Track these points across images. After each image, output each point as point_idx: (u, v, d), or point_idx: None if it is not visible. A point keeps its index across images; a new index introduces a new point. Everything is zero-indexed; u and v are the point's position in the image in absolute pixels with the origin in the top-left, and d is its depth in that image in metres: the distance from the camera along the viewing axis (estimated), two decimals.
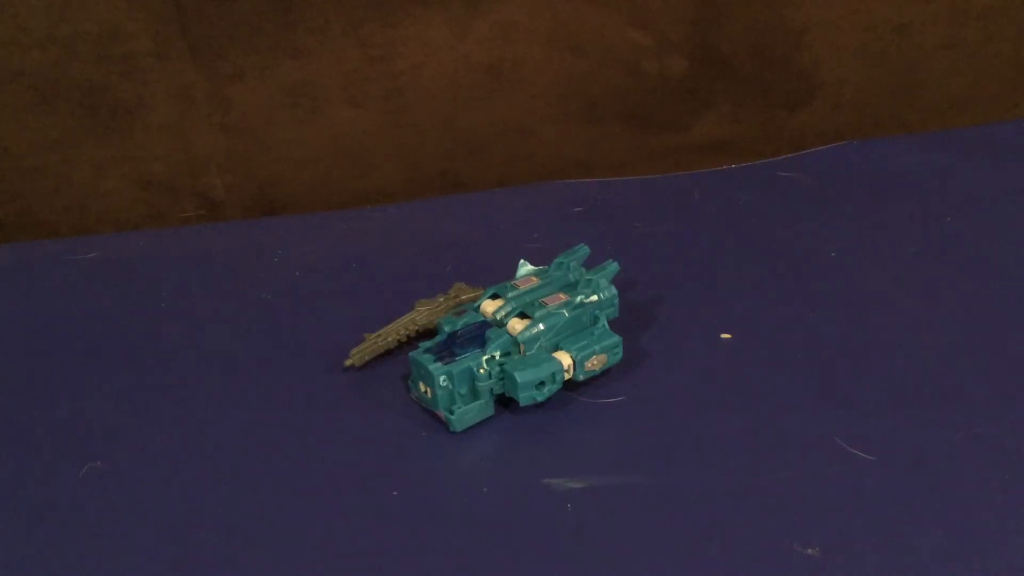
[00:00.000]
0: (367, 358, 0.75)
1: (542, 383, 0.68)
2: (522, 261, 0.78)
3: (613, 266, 0.76)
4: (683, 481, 0.64)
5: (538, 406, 0.70)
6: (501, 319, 0.71)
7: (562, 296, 0.72)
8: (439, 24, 0.96)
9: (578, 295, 0.73)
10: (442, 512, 0.63)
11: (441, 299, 0.78)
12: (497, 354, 0.69)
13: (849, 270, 0.85)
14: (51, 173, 0.96)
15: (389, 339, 0.75)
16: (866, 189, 0.97)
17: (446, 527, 0.62)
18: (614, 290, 0.75)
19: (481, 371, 0.68)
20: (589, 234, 0.84)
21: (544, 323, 0.70)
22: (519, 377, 0.67)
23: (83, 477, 0.66)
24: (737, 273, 0.85)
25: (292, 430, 0.70)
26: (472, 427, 0.69)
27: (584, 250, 0.78)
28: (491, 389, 0.69)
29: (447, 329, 0.71)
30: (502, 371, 0.69)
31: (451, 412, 0.68)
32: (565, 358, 0.69)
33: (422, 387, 0.69)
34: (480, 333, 0.70)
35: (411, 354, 0.70)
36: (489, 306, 0.73)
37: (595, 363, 0.71)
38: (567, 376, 0.70)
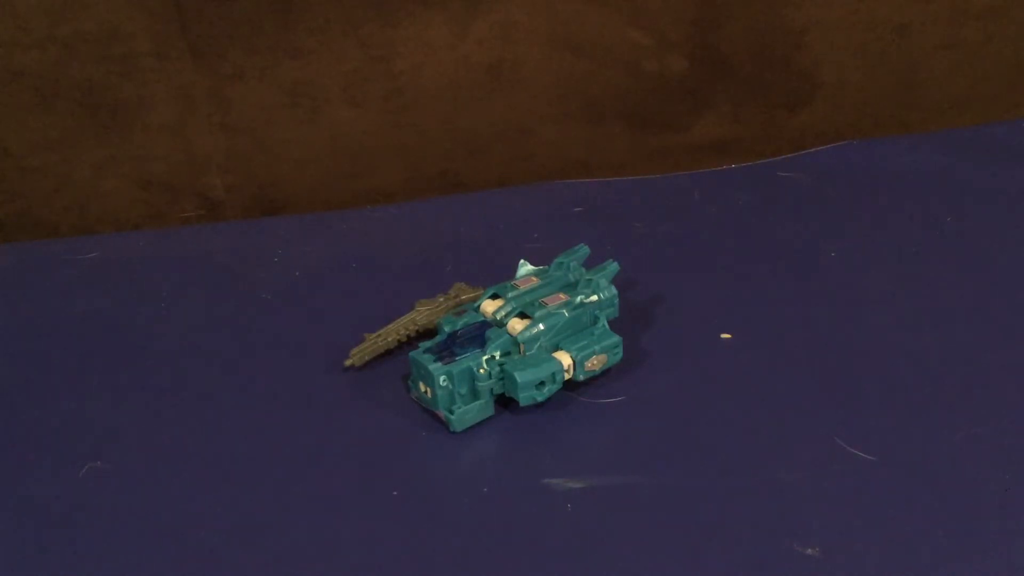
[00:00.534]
0: (367, 358, 0.75)
1: (542, 383, 0.68)
2: (522, 261, 0.78)
3: (613, 266, 0.76)
4: (683, 481, 0.64)
5: (538, 406, 0.70)
6: (501, 319, 0.71)
7: (562, 296, 0.72)
8: (439, 24, 0.96)
9: (578, 295, 0.73)
10: (442, 512, 0.63)
11: (441, 299, 0.78)
12: (497, 354, 0.69)
13: (849, 270, 0.85)
14: (51, 173, 0.96)
15: (389, 339, 0.75)
16: (866, 189, 0.97)
17: (446, 527, 0.62)
18: (614, 290, 0.75)
19: (481, 371, 0.68)
20: (589, 234, 0.84)
21: (544, 323, 0.70)
22: (519, 377, 0.67)
23: (83, 477, 0.66)
24: (737, 273, 0.85)
25: (292, 430, 0.70)
26: (472, 427, 0.69)
27: (584, 250, 0.78)
28: (491, 389, 0.69)
29: (447, 329, 0.71)
30: (502, 371, 0.69)
31: (451, 412, 0.68)
32: (565, 358, 0.69)
33: (422, 387, 0.69)
34: (480, 333, 0.70)
35: (411, 354, 0.70)
36: (489, 306, 0.73)
37: (595, 363, 0.71)
38: (567, 376, 0.70)
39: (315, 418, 0.71)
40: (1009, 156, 1.01)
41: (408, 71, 0.98)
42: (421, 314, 0.77)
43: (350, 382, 0.74)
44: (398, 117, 1.00)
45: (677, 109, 1.05)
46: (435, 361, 0.68)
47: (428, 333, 0.76)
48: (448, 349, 0.69)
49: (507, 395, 0.70)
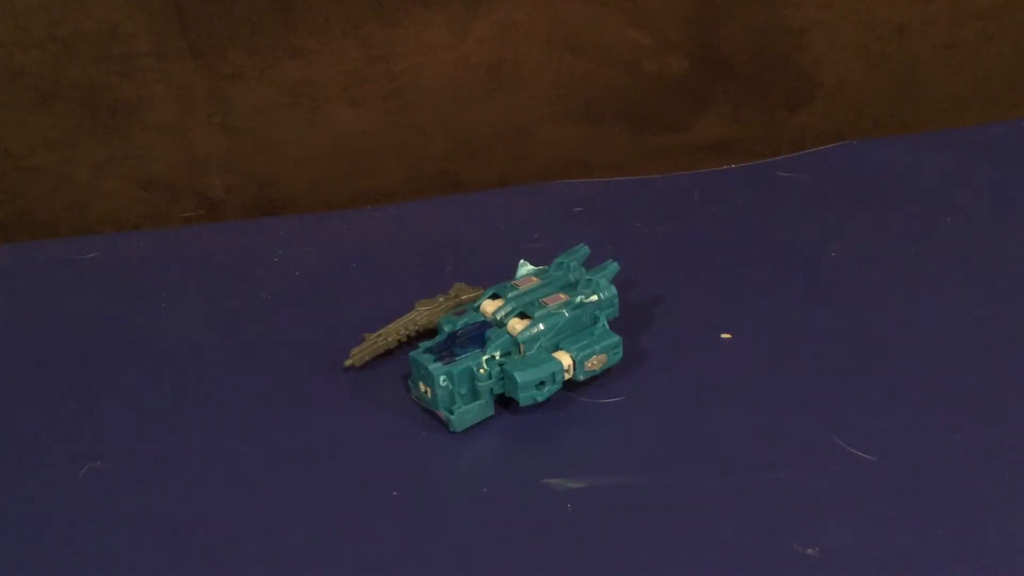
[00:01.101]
0: (367, 358, 0.75)
1: (542, 383, 0.68)
2: (522, 261, 0.78)
3: (613, 266, 0.76)
4: (683, 481, 0.64)
5: (538, 406, 0.70)
6: (501, 319, 0.71)
7: (562, 296, 0.72)
8: (439, 24, 0.96)
9: (578, 295, 0.73)
10: (442, 512, 0.63)
11: (441, 299, 0.78)
12: (497, 354, 0.69)
13: (849, 270, 0.85)
14: (51, 173, 0.96)
15: (389, 339, 0.75)
16: (866, 189, 0.97)
17: (446, 527, 0.62)
18: (614, 290, 0.75)
19: (481, 371, 0.68)
20: (589, 234, 0.84)
21: (544, 323, 0.70)
22: (519, 377, 0.67)
23: (83, 477, 0.66)
24: (737, 273, 0.85)
25: (292, 430, 0.70)
26: (472, 427, 0.69)
27: (584, 250, 0.78)
28: (491, 389, 0.69)
29: (447, 329, 0.71)
30: (502, 371, 0.69)
31: (451, 412, 0.68)
32: (565, 358, 0.69)
33: (422, 387, 0.69)
34: (480, 333, 0.70)
35: (411, 354, 0.70)
36: (489, 306, 0.73)
37: (595, 363, 0.71)
38: (567, 376, 0.70)
39: (315, 418, 0.71)
40: (1009, 156, 1.01)
41: (408, 71, 0.98)
42: (421, 314, 0.77)
43: (350, 382, 0.74)
44: (398, 117, 1.00)
45: (677, 109, 1.05)
46: (435, 361, 0.68)
47: (428, 333, 0.76)
48: (448, 349, 0.69)
49: (507, 395, 0.70)
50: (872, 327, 0.77)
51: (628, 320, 0.77)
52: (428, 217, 0.97)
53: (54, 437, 0.70)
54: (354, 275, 0.88)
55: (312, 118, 0.99)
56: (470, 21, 0.97)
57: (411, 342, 0.75)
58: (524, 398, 0.68)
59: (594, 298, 0.74)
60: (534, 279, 0.75)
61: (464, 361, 0.68)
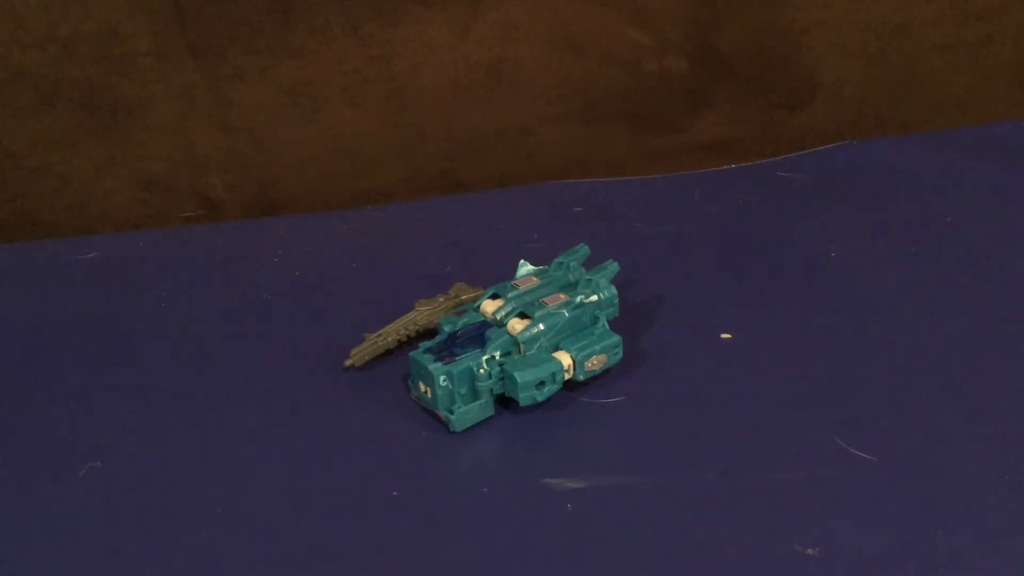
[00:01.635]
0: (367, 358, 0.75)
1: (542, 383, 0.68)
2: (522, 261, 0.78)
3: (613, 266, 0.76)
4: (683, 481, 0.64)
5: (538, 406, 0.70)
6: (501, 319, 0.71)
7: (562, 296, 0.72)
8: (439, 24, 0.96)
9: (578, 295, 0.73)
10: (442, 512, 0.63)
11: (441, 299, 0.78)
12: (497, 354, 0.69)
13: (849, 270, 0.85)
14: (51, 173, 0.96)
15: (389, 339, 0.75)
16: (866, 189, 0.97)
17: (446, 527, 0.62)
18: (614, 290, 0.75)
19: (481, 371, 0.68)
20: (589, 234, 0.84)
21: (544, 323, 0.70)
22: (519, 377, 0.67)
23: (83, 477, 0.66)
24: (737, 273, 0.85)
25: (292, 430, 0.70)
26: (472, 427, 0.69)
27: (584, 250, 0.78)
28: (491, 389, 0.69)
29: (447, 329, 0.71)
30: (502, 371, 0.69)
31: (451, 412, 0.68)
32: (565, 358, 0.69)
33: (422, 387, 0.69)
34: (480, 333, 0.70)
35: (411, 354, 0.70)
36: (489, 306, 0.73)
37: (595, 363, 0.71)
38: (567, 376, 0.70)
39: (315, 418, 0.71)
40: (1009, 156, 1.01)
41: (408, 71, 0.98)
42: (421, 314, 0.77)
43: (350, 382, 0.74)
44: (398, 117, 1.00)
45: (677, 109, 1.05)
46: (435, 361, 0.68)
47: (428, 333, 0.76)
48: (448, 349, 0.69)
49: (507, 395, 0.70)
50: (872, 327, 0.77)
51: (628, 320, 0.77)
52: (428, 217, 0.97)
53: (54, 437, 0.70)
54: (354, 275, 0.88)
55: (312, 118, 0.99)
56: (470, 21, 0.97)
57: (411, 342, 0.75)
58: (524, 398, 0.68)
59: (594, 298, 0.74)
60: (534, 279, 0.75)
61: (464, 361, 0.68)
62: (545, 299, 0.72)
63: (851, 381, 0.72)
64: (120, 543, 0.61)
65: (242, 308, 0.84)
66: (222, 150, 0.98)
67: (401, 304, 0.78)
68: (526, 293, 0.73)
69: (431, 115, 1.01)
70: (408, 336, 0.76)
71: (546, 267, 0.77)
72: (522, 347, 0.70)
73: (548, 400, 0.69)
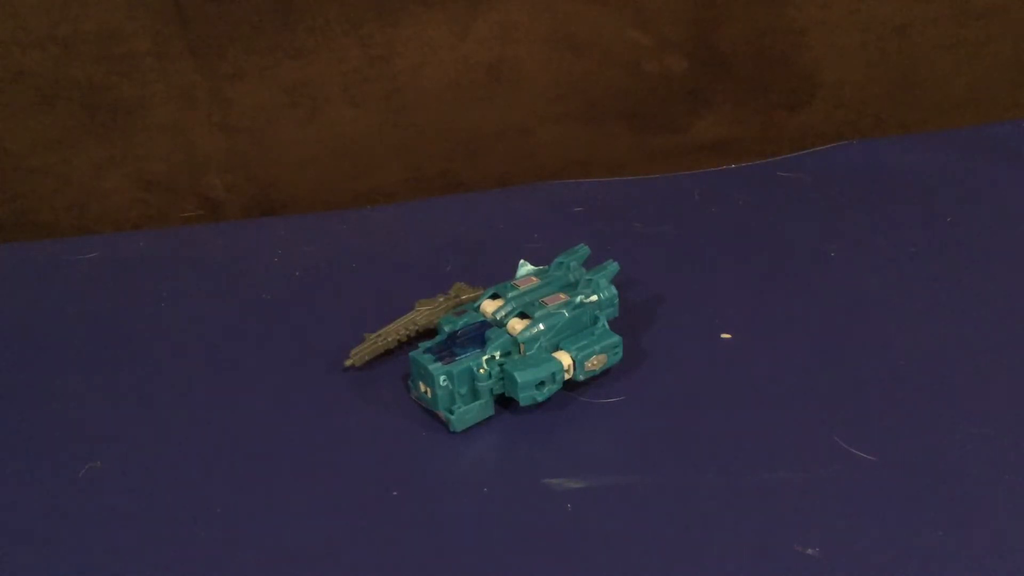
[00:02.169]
0: (367, 358, 0.75)
1: (542, 383, 0.68)
2: (522, 261, 0.78)
3: (613, 266, 0.76)
4: (683, 481, 0.64)
5: (538, 406, 0.70)
6: (501, 319, 0.71)
7: (562, 296, 0.72)
8: (439, 24, 0.96)
9: (578, 295, 0.73)
10: (442, 512, 0.63)
11: (441, 299, 0.78)
12: (497, 354, 0.69)
13: (849, 270, 0.85)
14: (51, 173, 0.96)
15: (389, 339, 0.75)
16: (866, 189, 0.97)
17: (446, 527, 0.62)
18: (614, 290, 0.75)
19: (481, 371, 0.68)
20: (589, 234, 0.84)
21: (544, 323, 0.70)
22: (519, 377, 0.67)
23: (83, 477, 0.66)
24: (737, 273, 0.85)
25: (292, 430, 0.70)
26: (472, 427, 0.69)
27: (584, 250, 0.78)
28: (491, 389, 0.69)
29: (447, 329, 0.71)
30: (502, 371, 0.69)
31: (451, 412, 0.68)
32: (565, 358, 0.69)
33: (422, 387, 0.69)
34: (480, 333, 0.70)
35: (411, 354, 0.70)
36: (489, 306, 0.73)
37: (595, 363, 0.71)
38: (567, 376, 0.70)
39: (315, 418, 0.71)
40: (1009, 156, 1.01)
41: (408, 71, 0.98)
42: (421, 314, 0.77)
43: (350, 382, 0.74)
44: (398, 117, 1.00)
45: (677, 109, 1.05)
46: (435, 361, 0.68)
47: (428, 333, 0.76)
48: (448, 349, 0.69)
49: (507, 395, 0.70)
50: (872, 327, 0.77)
51: (628, 320, 0.77)
52: (428, 217, 0.97)
53: (54, 437, 0.70)
54: (354, 275, 0.88)
55: (312, 118, 0.99)
56: (470, 21, 0.97)
57: (411, 342, 0.75)
58: (524, 398, 0.68)
59: (594, 298, 0.74)
60: (534, 279, 0.75)
61: (464, 361, 0.68)
62: (545, 299, 0.72)
63: (851, 381, 0.72)
64: (120, 543, 0.61)
65: (242, 308, 0.84)
66: (222, 150, 0.98)
67: (401, 304, 0.78)
68: (526, 293, 0.73)
69: (431, 115, 1.01)
70: (408, 336, 0.76)
71: (546, 267, 0.77)
72: (522, 347, 0.70)
73: (548, 400, 0.69)
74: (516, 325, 0.70)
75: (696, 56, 1.02)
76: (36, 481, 0.66)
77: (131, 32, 0.91)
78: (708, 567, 0.58)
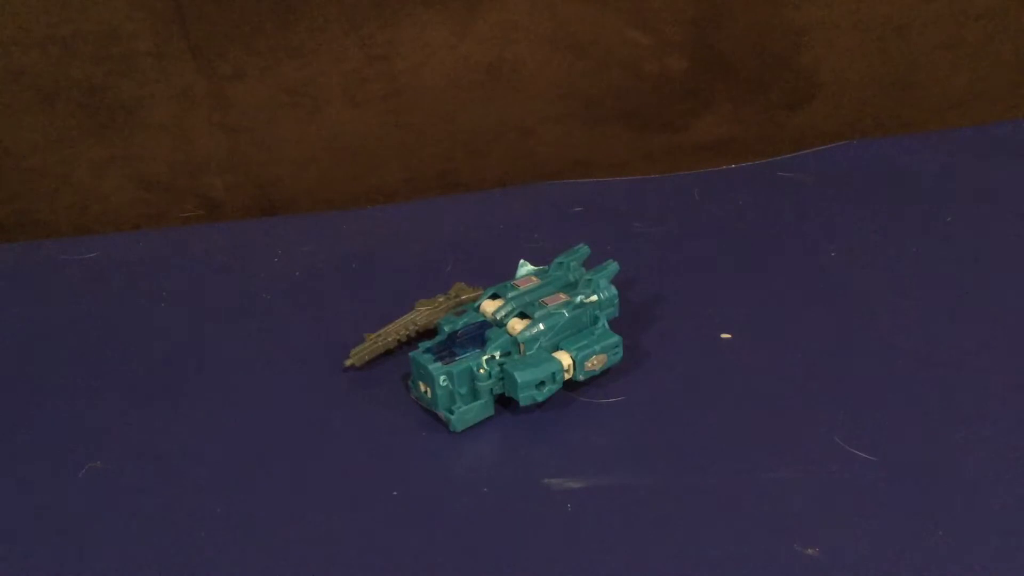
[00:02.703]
0: (367, 358, 0.75)
1: (542, 383, 0.68)
2: (522, 261, 0.78)
3: (613, 266, 0.76)
4: (683, 481, 0.64)
5: (538, 406, 0.70)
6: (501, 319, 0.71)
7: (562, 296, 0.72)
8: (439, 24, 0.96)
9: (578, 295, 0.73)
10: (442, 512, 0.63)
11: (441, 299, 0.78)
12: (497, 354, 0.69)
13: (849, 270, 0.85)
14: (51, 173, 0.96)
15: (389, 339, 0.75)
16: (866, 189, 0.97)
17: (446, 527, 0.62)
18: (614, 290, 0.75)
19: (481, 371, 0.68)
20: (589, 234, 0.84)
21: (544, 323, 0.70)
22: (519, 377, 0.67)
23: (83, 477, 0.66)
24: (737, 273, 0.85)
25: (292, 430, 0.70)
26: (472, 427, 0.69)
27: (584, 250, 0.78)
28: (491, 389, 0.69)
29: (447, 329, 0.71)
30: (502, 371, 0.69)
31: (451, 412, 0.68)
32: (565, 358, 0.69)
33: (422, 387, 0.69)
34: (480, 333, 0.70)
35: (411, 354, 0.70)
36: (489, 306, 0.73)
37: (595, 363, 0.71)
38: (567, 376, 0.70)
39: (315, 418, 0.71)
40: (1009, 156, 1.01)
41: (408, 71, 0.98)
42: (421, 314, 0.77)
43: (350, 382, 0.74)
44: (398, 117, 1.00)
45: (677, 109, 1.05)
46: (435, 361, 0.68)
47: (428, 333, 0.76)
48: (448, 349, 0.69)
49: (507, 395, 0.70)
50: (872, 327, 0.77)
51: (628, 320, 0.77)
52: (428, 217, 0.97)
53: (54, 437, 0.70)
54: (354, 275, 0.88)
55: (312, 118, 0.99)
56: (470, 21, 0.97)
57: (411, 342, 0.75)
58: (524, 398, 0.68)
59: (594, 298, 0.74)
60: (534, 279, 0.75)
61: (464, 361, 0.68)
62: (545, 299, 0.72)
63: (851, 381, 0.72)
64: (120, 543, 0.61)
65: (242, 308, 0.84)
66: (222, 150, 0.98)
67: (401, 304, 0.78)
68: (526, 293, 0.73)
69: (431, 115, 1.01)
70: (408, 336, 0.76)
71: (546, 267, 0.77)
72: (522, 347, 0.70)
73: (548, 400, 0.69)
74: (516, 325, 0.70)
75: (696, 56, 1.02)
76: (36, 481, 0.66)
77: (131, 32, 0.91)
78: (708, 567, 0.58)
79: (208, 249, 0.93)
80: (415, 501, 0.63)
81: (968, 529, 0.59)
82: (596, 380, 0.72)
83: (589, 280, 0.75)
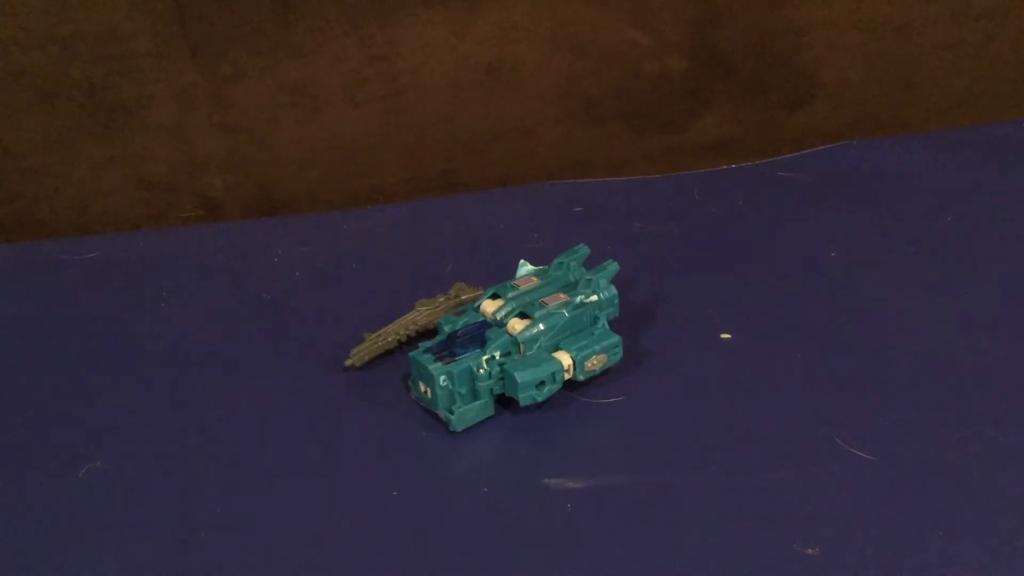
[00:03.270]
0: (367, 358, 0.75)
1: (542, 383, 0.68)
2: (522, 261, 0.78)
3: (613, 266, 0.76)
4: (683, 481, 0.64)
5: (538, 406, 0.70)
6: (501, 319, 0.71)
7: (562, 296, 0.72)
8: (439, 24, 0.96)
9: (578, 295, 0.73)
10: (442, 512, 0.63)
11: (441, 299, 0.78)
12: (497, 354, 0.69)
13: (849, 270, 0.85)
14: (51, 173, 0.96)
15: (389, 339, 0.75)
16: (866, 189, 0.97)
17: (446, 527, 0.62)
18: (614, 290, 0.75)
19: (481, 371, 0.68)
20: (589, 234, 0.84)
21: (544, 323, 0.70)
22: (519, 377, 0.67)
23: (83, 477, 0.66)
24: (737, 273, 0.85)
25: (292, 430, 0.70)
26: (472, 427, 0.69)
27: (584, 250, 0.78)
28: (491, 389, 0.69)
29: (447, 329, 0.71)
30: (502, 371, 0.69)
31: (451, 412, 0.68)
32: (565, 358, 0.69)
33: (422, 387, 0.69)
34: (480, 333, 0.70)
35: (411, 354, 0.70)
36: (489, 306, 0.73)
37: (595, 363, 0.71)
38: (567, 376, 0.70)
39: (315, 418, 0.71)
40: (1009, 156, 1.01)
41: (408, 71, 0.98)
42: (421, 314, 0.77)
43: (350, 382, 0.74)
44: (398, 117, 1.00)
45: (677, 109, 1.05)
46: (435, 361, 0.68)
47: (428, 333, 0.76)
48: (448, 349, 0.69)
49: (507, 395, 0.70)
50: (872, 327, 0.77)
51: (628, 320, 0.77)
52: (428, 217, 0.97)
53: (54, 437, 0.70)
54: (354, 275, 0.88)
55: (312, 118, 0.99)
56: (470, 21, 0.97)
57: (411, 342, 0.75)
58: (524, 398, 0.68)
59: (594, 298, 0.74)
60: (534, 279, 0.75)
61: (464, 361, 0.68)
62: (545, 299, 0.72)
63: (851, 381, 0.72)
64: (120, 543, 0.61)
65: (242, 308, 0.84)
66: (222, 150, 0.98)
67: (401, 304, 0.78)
68: (526, 293, 0.73)
69: (431, 115, 1.01)
70: (408, 336, 0.76)
71: (546, 267, 0.77)
72: (522, 347, 0.70)
73: (548, 400, 0.69)
74: (516, 325, 0.70)
75: (696, 56, 1.02)
76: (36, 481, 0.66)
77: (131, 32, 0.91)
78: (708, 567, 0.58)
79: (208, 249, 0.93)
80: (415, 501, 0.63)
81: (968, 529, 0.59)
82: (596, 380, 0.72)
83: (589, 280, 0.74)
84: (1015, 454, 0.64)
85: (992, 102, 1.09)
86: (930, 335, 0.76)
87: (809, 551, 0.58)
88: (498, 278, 0.76)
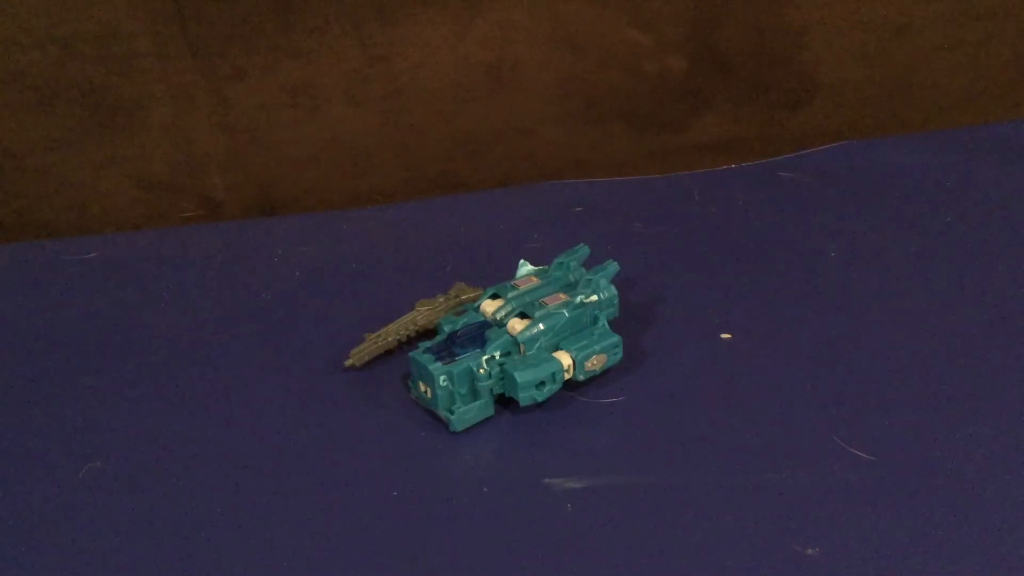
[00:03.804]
0: (367, 358, 0.75)
1: (542, 383, 0.68)
2: (522, 261, 0.78)
3: (613, 266, 0.76)
4: (683, 481, 0.64)
5: (538, 406, 0.70)
6: (501, 319, 0.71)
7: (562, 296, 0.72)
8: (439, 24, 0.96)
9: (578, 295, 0.73)
10: (442, 512, 0.63)
11: (441, 299, 0.78)
12: (497, 354, 0.69)
13: (849, 270, 0.85)
14: (51, 173, 0.96)
15: (389, 339, 0.75)
16: (866, 189, 0.97)
17: (446, 527, 0.62)
18: (614, 290, 0.75)
19: (481, 371, 0.68)
20: (589, 234, 0.84)
21: (544, 323, 0.70)
22: (519, 377, 0.67)
23: (83, 477, 0.66)
24: (737, 273, 0.85)
25: (292, 430, 0.70)
26: (472, 427, 0.69)
27: (584, 250, 0.78)
28: (491, 389, 0.69)
29: (447, 329, 0.71)
30: (502, 371, 0.69)
31: (451, 412, 0.68)
32: (565, 358, 0.69)
33: (422, 387, 0.69)
34: (480, 333, 0.70)
35: (411, 354, 0.70)
36: (489, 306, 0.73)
37: (595, 363, 0.71)
38: (567, 376, 0.70)
39: (315, 418, 0.71)
40: (1009, 156, 1.01)
41: (408, 71, 0.98)
42: (421, 314, 0.77)
43: (350, 382, 0.74)
44: (398, 117, 1.00)
45: (677, 109, 1.05)
46: (435, 361, 0.68)
47: (428, 333, 0.76)
48: (448, 349, 0.69)
49: (507, 395, 0.70)
50: (872, 327, 0.77)
51: (628, 320, 0.77)
52: (428, 217, 0.97)
53: (54, 437, 0.70)
54: (354, 275, 0.88)
55: (312, 118, 0.99)
56: (470, 21, 0.97)
57: (411, 342, 0.75)
58: (524, 398, 0.68)
59: (594, 298, 0.74)
60: (534, 279, 0.75)
61: (464, 361, 0.68)
62: (545, 299, 0.72)
63: (851, 381, 0.72)
64: (120, 543, 0.61)
65: (242, 308, 0.84)
66: (222, 150, 0.99)
67: (401, 304, 0.78)
68: (526, 293, 0.73)
69: (431, 115, 1.01)
70: (408, 336, 0.76)
71: (546, 267, 0.77)
72: (522, 347, 0.70)
73: (548, 400, 0.69)
74: (516, 325, 0.70)
75: (696, 56, 1.02)
76: (36, 481, 0.66)
77: (131, 32, 0.91)
78: (708, 567, 0.58)
79: (208, 249, 0.93)
80: (415, 501, 0.63)
81: (968, 529, 0.59)
82: (596, 380, 0.72)
83: (589, 280, 0.75)
84: (1015, 454, 0.64)
85: (992, 102, 1.10)
86: (930, 335, 0.76)
87: (809, 551, 0.58)
88: (498, 278, 0.76)
